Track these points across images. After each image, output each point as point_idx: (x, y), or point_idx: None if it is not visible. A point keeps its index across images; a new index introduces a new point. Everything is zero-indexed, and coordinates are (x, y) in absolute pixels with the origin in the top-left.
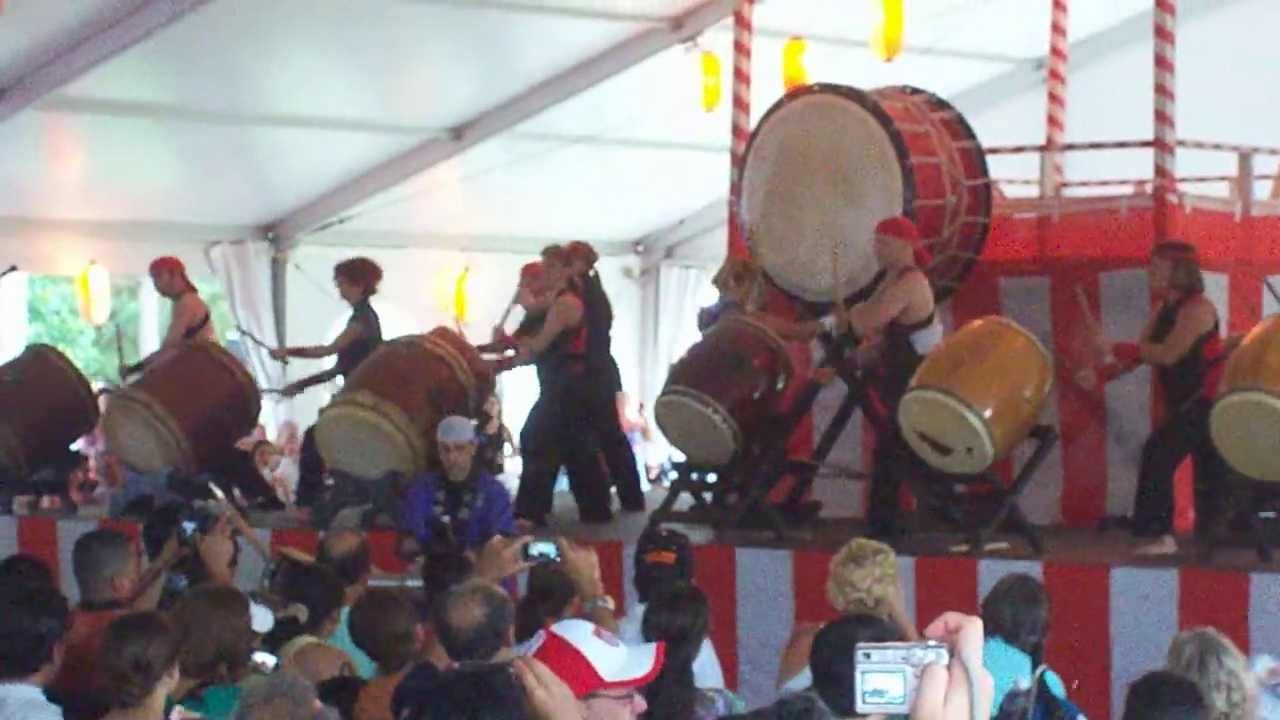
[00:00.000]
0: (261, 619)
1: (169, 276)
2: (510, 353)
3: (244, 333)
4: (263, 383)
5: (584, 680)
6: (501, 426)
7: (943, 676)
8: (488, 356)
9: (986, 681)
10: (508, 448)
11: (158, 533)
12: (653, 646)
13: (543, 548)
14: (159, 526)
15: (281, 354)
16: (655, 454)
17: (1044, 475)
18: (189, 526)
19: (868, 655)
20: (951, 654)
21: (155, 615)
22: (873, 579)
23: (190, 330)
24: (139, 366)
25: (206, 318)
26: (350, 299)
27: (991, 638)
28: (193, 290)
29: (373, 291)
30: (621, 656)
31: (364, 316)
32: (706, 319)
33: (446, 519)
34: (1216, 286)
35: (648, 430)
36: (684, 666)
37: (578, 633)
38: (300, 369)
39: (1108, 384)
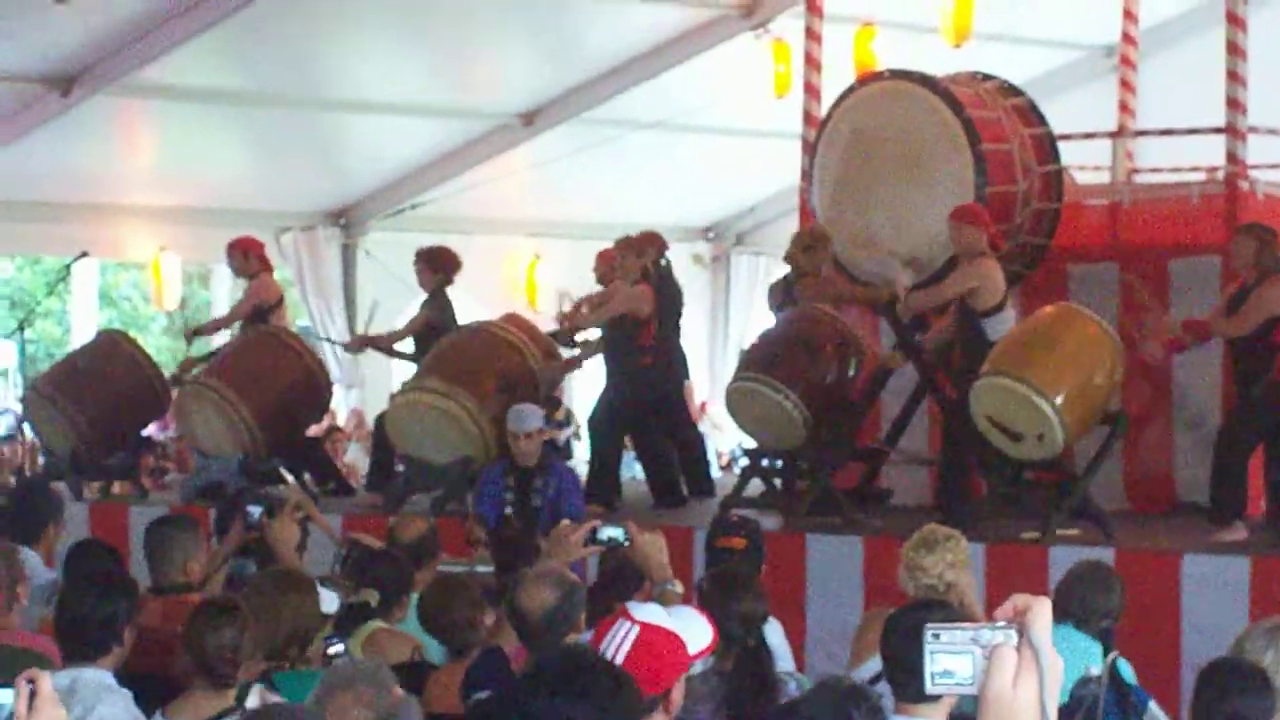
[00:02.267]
0: (329, 601)
1: (244, 258)
2: (576, 351)
3: (319, 337)
4: (334, 370)
5: (681, 661)
6: (569, 412)
7: (1012, 658)
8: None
9: (1056, 663)
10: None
11: (227, 518)
12: (696, 613)
13: (611, 532)
14: (228, 512)
15: (356, 344)
16: (725, 442)
17: (1108, 460)
18: (254, 511)
19: (936, 636)
20: (1020, 635)
21: (238, 601)
22: (945, 565)
23: (261, 310)
24: (198, 333)
25: (280, 300)
26: (426, 286)
27: (1063, 623)
28: (270, 271)
29: (449, 282)
30: (694, 627)
31: (437, 302)
32: (777, 294)
33: (509, 510)
34: None
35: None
36: (764, 652)
37: (659, 615)
38: (370, 356)
39: (1176, 369)
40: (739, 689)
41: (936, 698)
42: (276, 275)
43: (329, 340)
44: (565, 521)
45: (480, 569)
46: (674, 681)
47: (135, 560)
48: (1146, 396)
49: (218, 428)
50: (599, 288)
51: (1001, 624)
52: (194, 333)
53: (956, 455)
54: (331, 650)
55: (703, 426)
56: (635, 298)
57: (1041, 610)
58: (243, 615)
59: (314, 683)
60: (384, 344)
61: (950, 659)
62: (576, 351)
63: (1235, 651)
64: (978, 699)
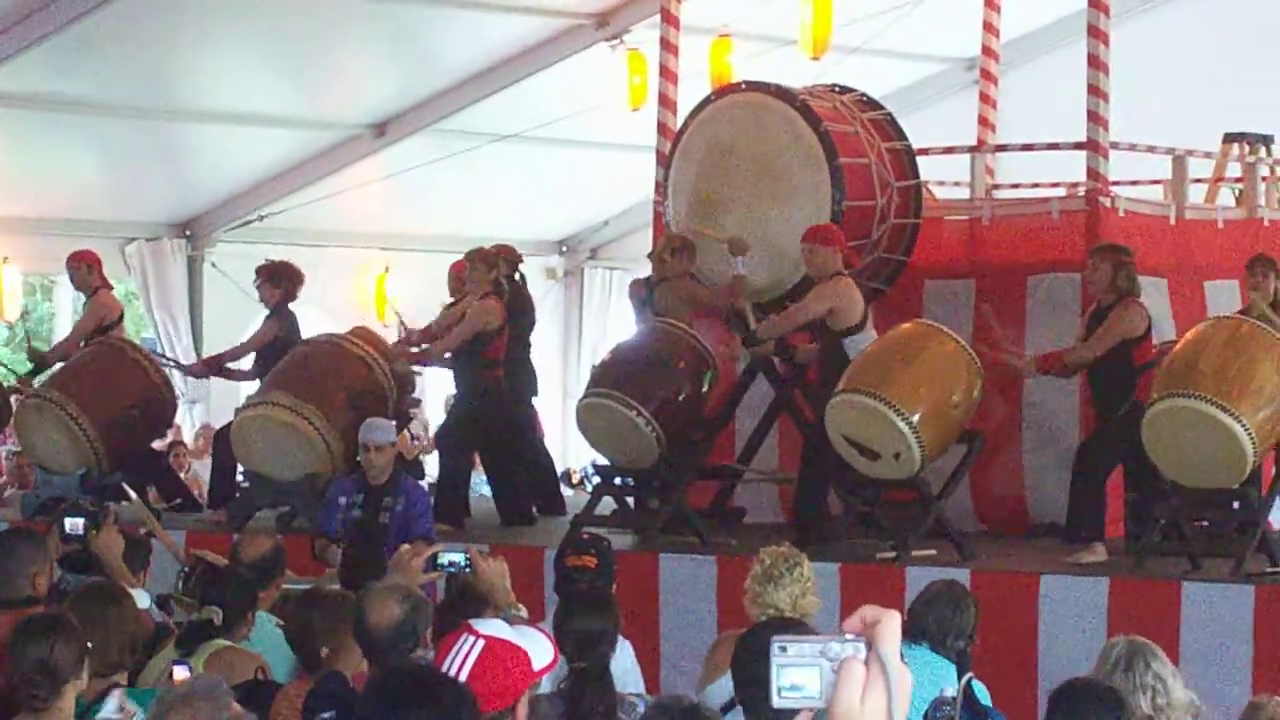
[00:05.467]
0: (141, 599)
1: (86, 271)
2: (425, 347)
3: (163, 357)
4: (177, 383)
5: (526, 675)
6: (425, 426)
7: (860, 671)
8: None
9: (905, 676)
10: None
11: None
12: (537, 631)
13: (453, 556)
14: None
15: (198, 370)
16: (576, 459)
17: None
18: (71, 523)
19: (784, 649)
20: (869, 648)
21: (62, 615)
22: (795, 597)
23: (102, 328)
24: (43, 360)
25: (121, 317)
26: (268, 302)
27: (918, 644)
28: (109, 287)
29: (293, 298)
30: (537, 644)
31: (280, 316)
32: (640, 289)
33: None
34: (1156, 290)
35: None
36: (601, 670)
37: (504, 629)
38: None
39: (1031, 388)
40: (582, 710)
41: (787, 714)
42: (120, 287)
43: (171, 364)
44: (405, 546)
45: (327, 587)
46: (520, 695)
47: None
48: (1000, 415)
49: (60, 442)
50: (448, 299)
51: (850, 637)
52: (38, 360)
53: (812, 474)
54: (177, 672)
55: None
56: (483, 313)
57: (890, 623)
58: (60, 631)
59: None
60: (225, 365)
61: (798, 672)
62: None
63: (1100, 664)
64: (826, 713)
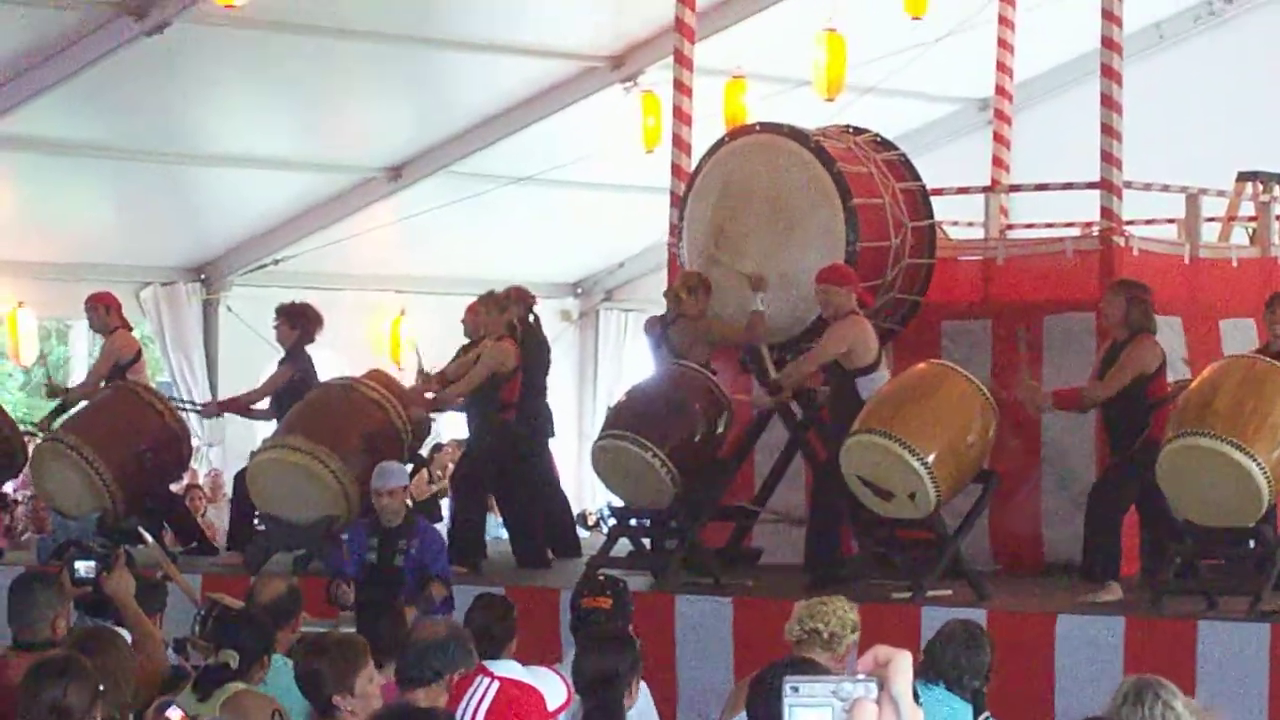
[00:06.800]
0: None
1: (105, 312)
2: (440, 393)
3: (178, 402)
4: (193, 426)
5: (541, 714)
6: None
7: (872, 711)
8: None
9: (917, 716)
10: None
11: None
12: (550, 671)
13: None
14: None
15: (212, 410)
16: (592, 500)
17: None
18: (82, 566)
19: (795, 689)
20: (881, 688)
21: (75, 657)
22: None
23: (119, 368)
24: (63, 399)
25: (138, 355)
26: (285, 343)
27: (934, 684)
28: (128, 328)
29: (310, 340)
30: (551, 685)
31: (296, 359)
32: (655, 327)
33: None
34: (1170, 329)
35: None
36: (616, 711)
37: (518, 670)
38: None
39: (1047, 427)
40: None
41: None
42: (136, 331)
43: (187, 406)
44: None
45: (343, 630)
46: None
47: None
48: (1016, 455)
49: (76, 485)
50: (464, 342)
51: (862, 676)
52: (58, 395)
53: (827, 514)
54: (171, 714)
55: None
56: (498, 354)
57: (902, 663)
58: (73, 673)
59: None
60: (240, 406)
61: (810, 713)
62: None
63: (1115, 700)
64: None
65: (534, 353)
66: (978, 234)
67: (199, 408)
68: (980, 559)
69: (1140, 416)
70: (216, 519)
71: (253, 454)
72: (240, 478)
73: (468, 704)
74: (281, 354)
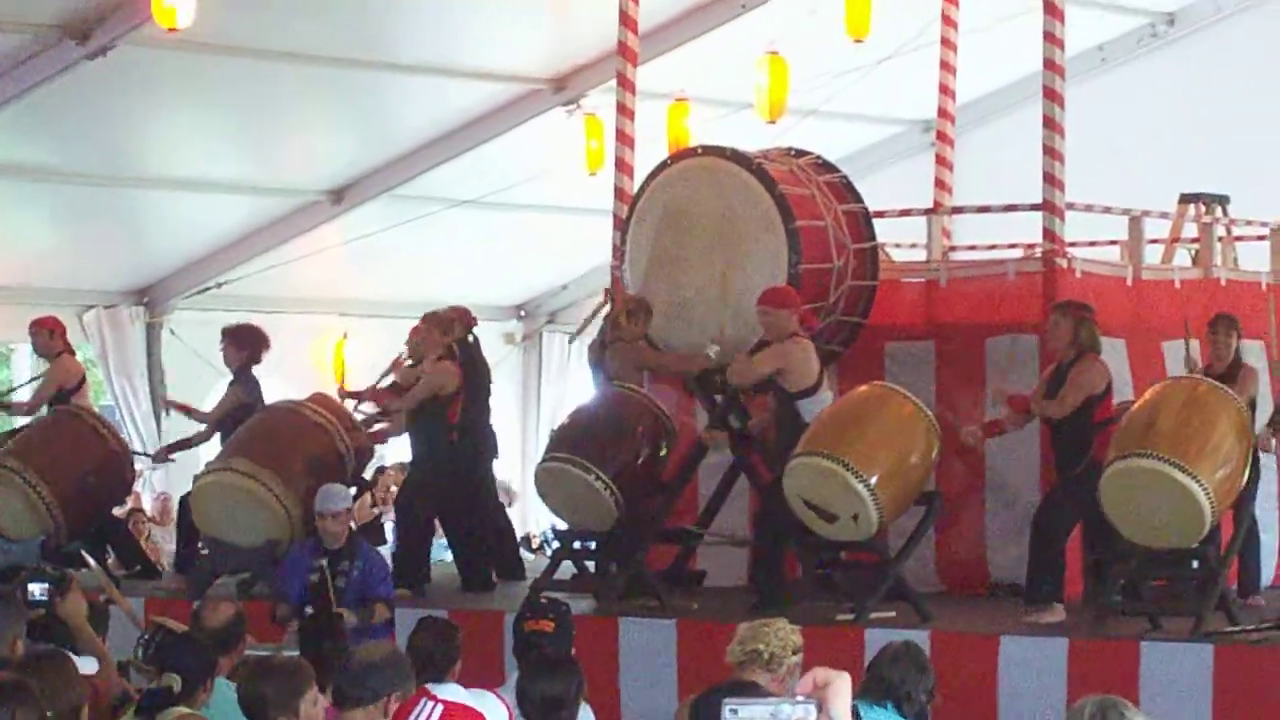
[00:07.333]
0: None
1: (49, 336)
2: (382, 425)
3: (135, 452)
4: (137, 449)
5: None
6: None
7: None
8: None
9: None
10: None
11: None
12: (490, 694)
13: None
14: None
15: (162, 457)
16: (535, 523)
17: (921, 541)
18: (36, 588)
19: (735, 712)
20: (820, 710)
21: (21, 682)
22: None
23: (63, 393)
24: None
25: (83, 380)
26: (232, 364)
27: (880, 703)
28: (71, 352)
29: (257, 361)
30: (491, 707)
31: (244, 381)
32: (595, 351)
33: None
34: (1114, 350)
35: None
36: None
37: (460, 693)
38: (175, 431)
39: (991, 449)
40: None
41: None
42: (79, 355)
43: (138, 454)
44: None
45: (287, 653)
46: None
47: None
48: (960, 476)
49: (18, 509)
50: (408, 361)
51: (801, 698)
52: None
53: (770, 536)
54: None
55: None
56: (439, 376)
57: (841, 685)
58: (19, 699)
59: None
60: (196, 417)
61: None
62: (385, 425)
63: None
64: None
65: (475, 374)
66: (920, 256)
67: (149, 455)
68: (925, 580)
69: (1085, 437)
70: (164, 541)
71: (196, 477)
72: (186, 501)
73: None
74: (226, 376)
